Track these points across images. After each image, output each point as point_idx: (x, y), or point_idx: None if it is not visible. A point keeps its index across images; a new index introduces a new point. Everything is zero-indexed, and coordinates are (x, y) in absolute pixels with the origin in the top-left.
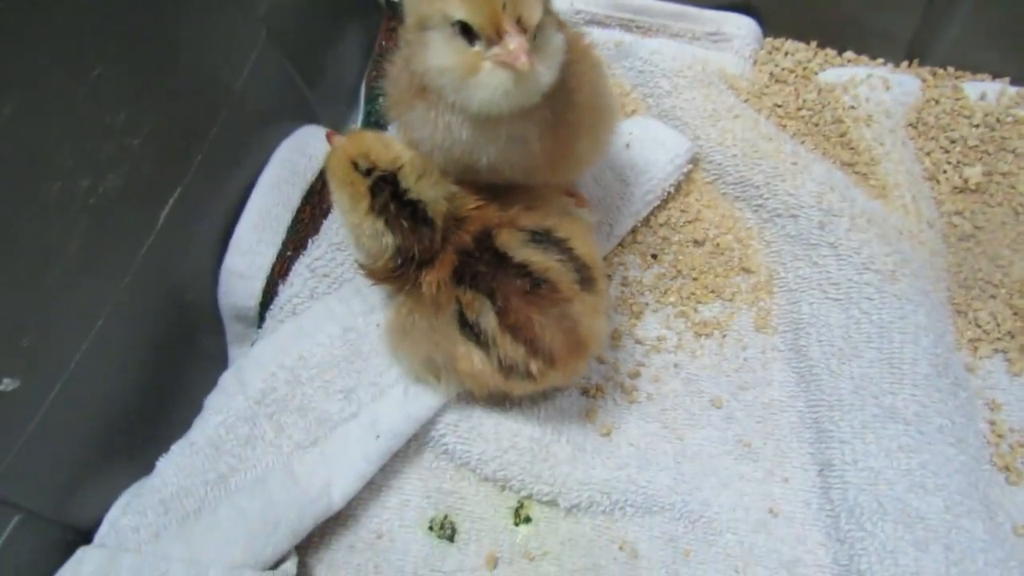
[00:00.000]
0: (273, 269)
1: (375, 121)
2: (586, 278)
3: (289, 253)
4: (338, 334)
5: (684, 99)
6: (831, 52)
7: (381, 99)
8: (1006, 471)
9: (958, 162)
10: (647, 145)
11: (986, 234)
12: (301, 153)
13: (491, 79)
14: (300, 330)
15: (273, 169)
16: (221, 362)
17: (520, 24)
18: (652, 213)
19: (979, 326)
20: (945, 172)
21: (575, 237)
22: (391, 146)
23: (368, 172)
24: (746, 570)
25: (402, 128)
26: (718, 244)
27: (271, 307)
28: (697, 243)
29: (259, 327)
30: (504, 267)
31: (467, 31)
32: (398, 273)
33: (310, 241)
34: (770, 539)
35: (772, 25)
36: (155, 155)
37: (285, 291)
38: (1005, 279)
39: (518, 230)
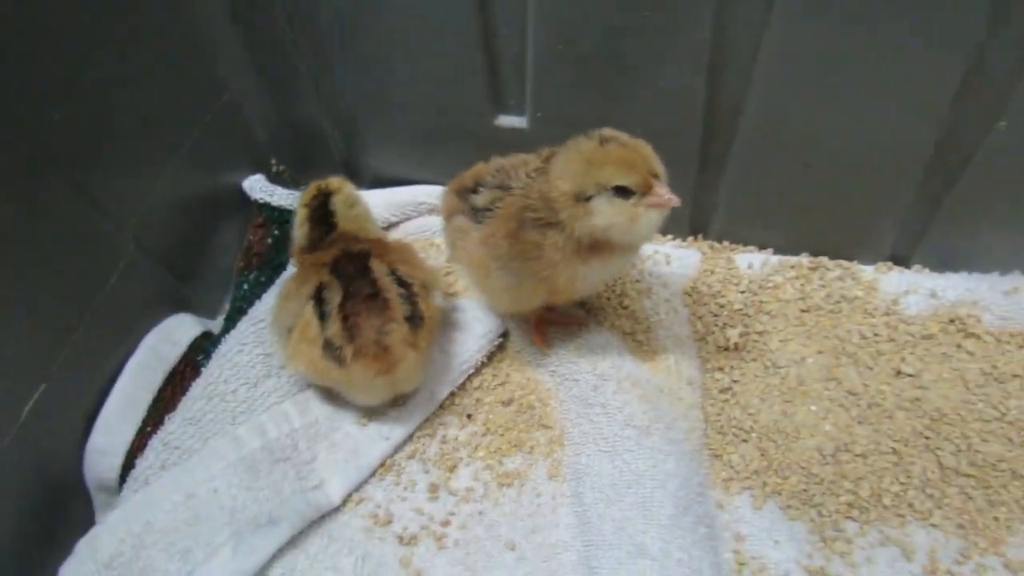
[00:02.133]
0: (132, 445)
1: (239, 307)
2: (415, 319)
3: (148, 429)
4: (181, 500)
5: None
6: None
7: (246, 286)
8: None
9: (724, 324)
10: (467, 322)
11: (741, 386)
12: (166, 341)
13: (649, 219)
14: (149, 499)
15: (139, 356)
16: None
17: (657, 177)
18: (468, 378)
19: (732, 467)
20: (712, 333)
21: (423, 298)
22: (344, 187)
23: (320, 190)
24: None
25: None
26: (523, 403)
27: (128, 478)
28: (505, 403)
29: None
30: (363, 275)
31: (622, 191)
32: (305, 249)
33: (167, 417)
34: None
35: None
36: (15, 356)
37: (140, 463)
38: (755, 425)
39: (388, 265)
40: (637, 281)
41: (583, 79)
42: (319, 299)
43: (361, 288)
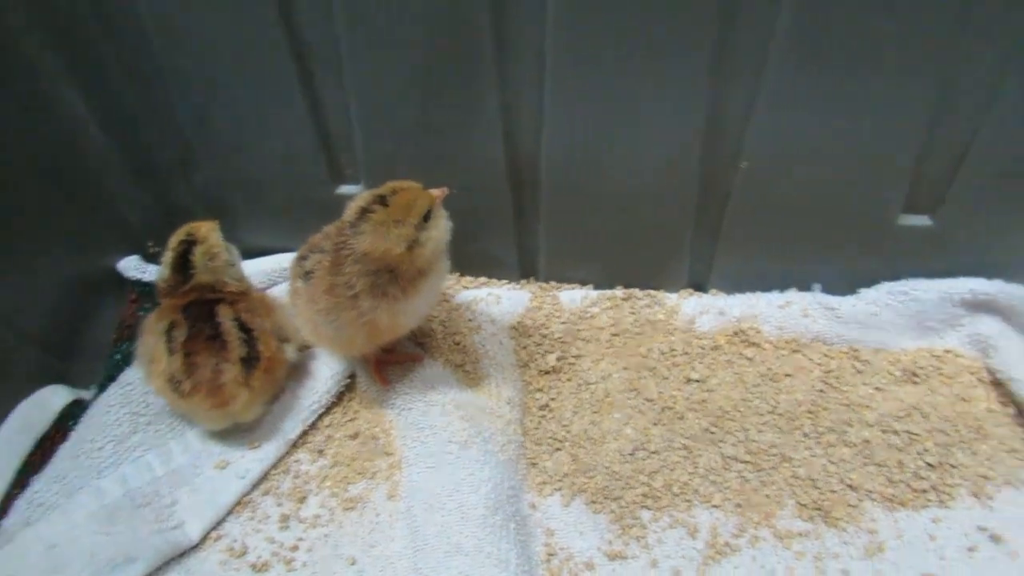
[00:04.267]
0: None
1: (111, 375)
2: (251, 361)
3: (15, 491)
4: (43, 551)
5: None
6: (470, 279)
7: (118, 356)
8: None
9: (545, 352)
10: (317, 368)
11: (557, 403)
12: (39, 408)
13: (447, 221)
14: (12, 553)
15: (10, 423)
16: None
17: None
18: (319, 417)
19: (546, 472)
20: (535, 360)
21: (264, 342)
22: (210, 237)
23: (187, 235)
24: None
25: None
26: (368, 435)
27: None
28: (352, 437)
29: None
30: (209, 319)
31: (426, 215)
32: (164, 292)
33: (33, 479)
34: None
35: None
36: None
37: (5, 523)
38: (568, 434)
39: (235, 313)
40: (470, 320)
41: (404, 149)
42: (169, 335)
43: (203, 329)
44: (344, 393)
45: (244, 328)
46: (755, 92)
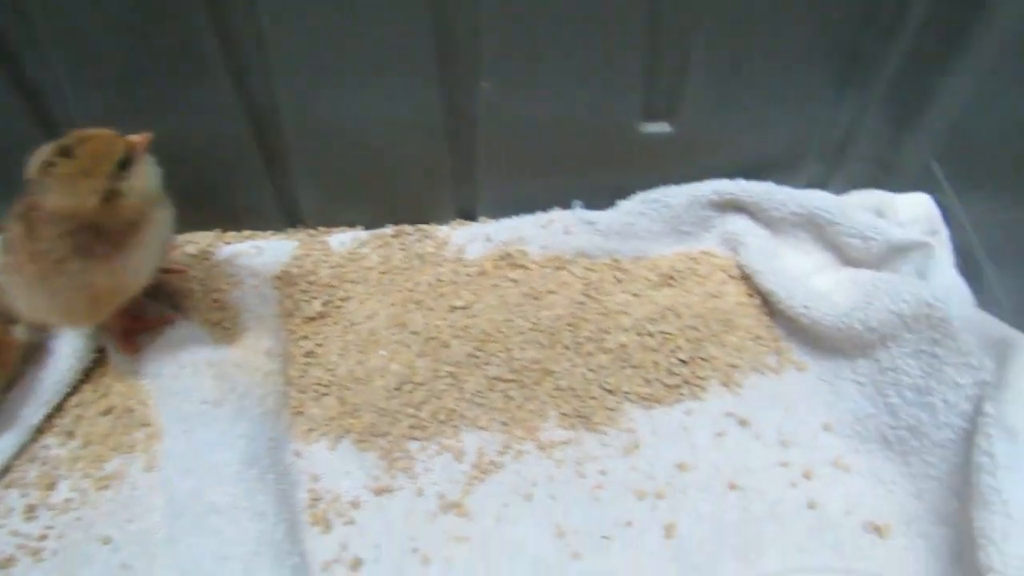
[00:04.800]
0: None
1: None
2: None
3: None
4: None
5: None
6: (233, 234)
7: None
8: (320, 524)
9: (311, 298)
10: (57, 347)
11: (323, 348)
12: None
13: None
14: None
15: None
16: None
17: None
18: (66, 398)
19: (313, 420)
20: (300, 308)
21: None
22: None
23: None
24: None
25: None
26: (123, 409)
27: None
28: (105, 413)
29: None
30: None
31: (123, 162)
32: None
33: None
34: None
35: (180, 223)
36: None
37: None
38: (334, 379)
39: None
40: (231, 275)
41: (119, 99)
42: None
43: None
44: (94, 369)
45: None
46: (480, 6)
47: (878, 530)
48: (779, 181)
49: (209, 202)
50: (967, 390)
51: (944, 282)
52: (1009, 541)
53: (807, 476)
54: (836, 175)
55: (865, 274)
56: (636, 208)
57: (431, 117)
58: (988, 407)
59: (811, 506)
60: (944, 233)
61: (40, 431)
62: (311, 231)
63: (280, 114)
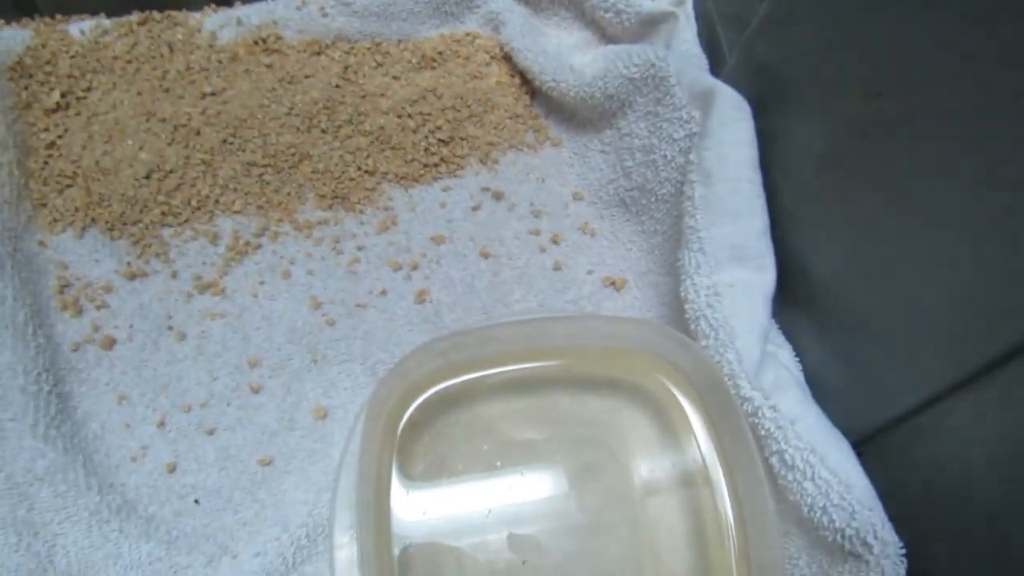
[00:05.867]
0: None
1: None
2: None
3: None
4: None
5: None
6: None
7: None
8: (70, 309)
9: (50, 90)
10: None
11: (65, 140)
12: None
13: None
14: None
15: None
16: None
17: None
18: None
19: (57, 210)
20: (39, 100)
21: None
22: None
23: None
24: None
25: None
26: None
27: None
28: None
29: None
30: None
31: None
32: None
33: None
34: None
35: None
36: None
37: None
38: (79, 170)
39: None
40: None
41: None
42: None
43: None
44: None
45: None
46: None
47: (614, 284)
48: None
49: None
50: (681, 143)
51: (684, 49)
52: (700, 272)
53: (555, 241)
54: None
55: (610, 47)
56: None
57: None
58: (692, 156)
59: (556, 267)
60: (689, 2)
61: None
62: (47, 20)
63: None
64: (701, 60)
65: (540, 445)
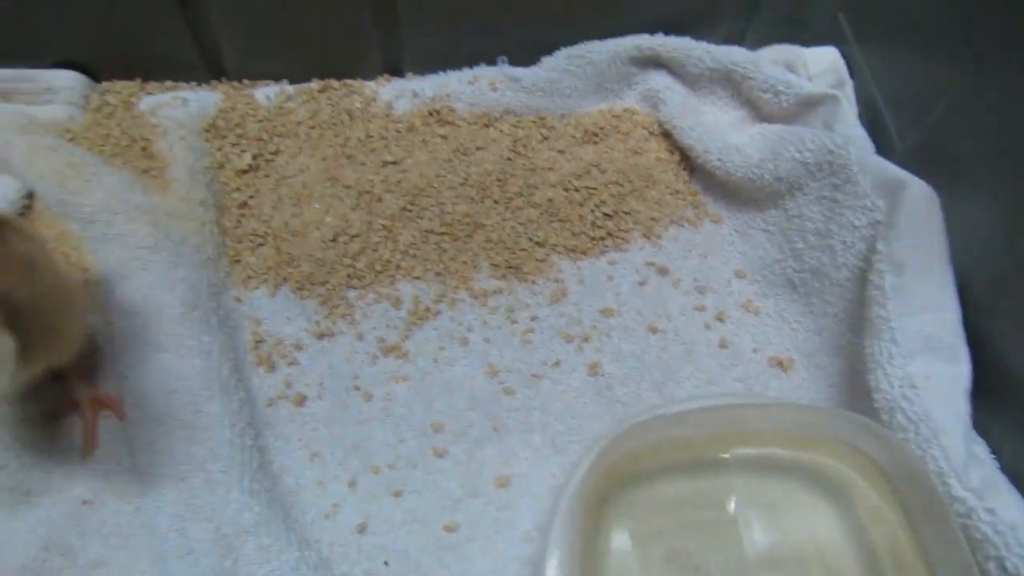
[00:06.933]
0: None
1: None
2: None
3: None
4: None
5: (13, 148)
6: (155, 84)
7: None
8: (264, 364)
9: (241, 151)
10: None
11: (256, 200)
12: None
13: None
14: None
15: None
16: None
17: None
18: None
19: (251, 268)
20: (230, 160)
21: None
22: None
23: None
24: None
25: None
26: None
27: None
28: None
29: None
30: None
31: None
32: None
33: None
34: None
35: (102, 72)
36: None
37: None
38: (270, 230)
39: None
40: (156, 126)
41: None
42: None
43: None
44: (23, 215)
45: None
46: None
47: (781, 364)
48: (697, 36)
49: (129, 50)
50: (863, 231)
51: (847, 132)
52: (894, 363)
53: (720, 319)
54: (751, 30)
55: (775, 128)
56: (560, 64)
57: None
58: (880, 245)
59: (723, 345)
60: (849, 85)
61: None
62: (235, 84)
63: None
64: (867, 143)
65: (724, 527)
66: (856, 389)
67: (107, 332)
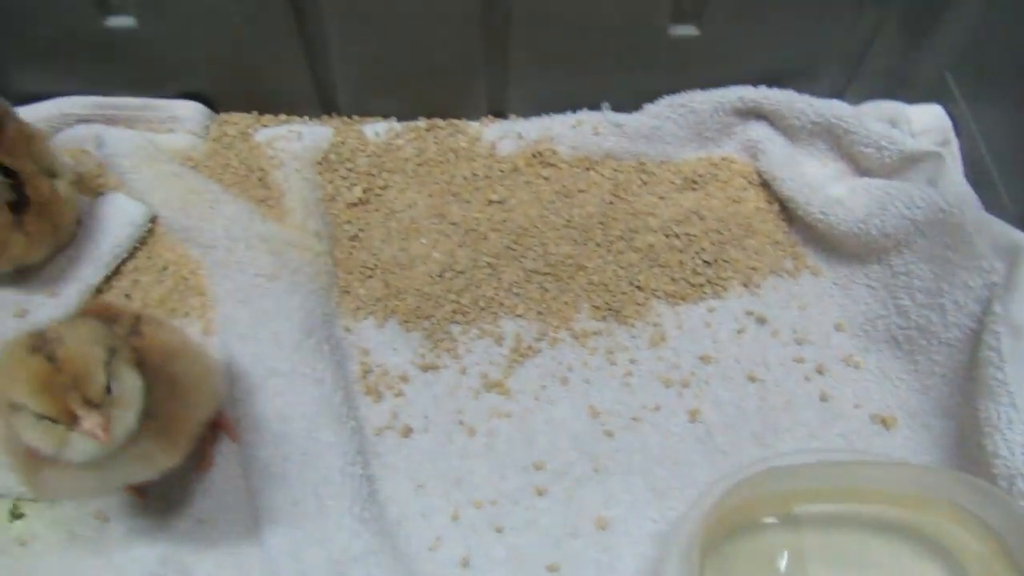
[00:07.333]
0: None
1: None
2: (20, 204)
3: None
4: None
5: (139, 173)
6: (270, 117)
7: None
8: (372, 394)
9: (351, 185)
10: (112, 213)
11: (366, 233)
12: None
13: (81, 445)
14: None
15: None
16: None
17: (89, 401)
18: (123, 263)
19: (360, 299)
20: (341, 193)
21: (33, 185)
22: None
23: None
24: None
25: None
26: (177, 276)
27: None
28: (161, 279)
29: None
30: None
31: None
32: None
33: None
34: None
35: (221, 104)
36: None
37: None
38: (378, 262)
39: None
40: (271, 157)
41: None
42: None
43: None
44: (146, 238)
45: (8, 172)
46: None
47: (884, 422)
48: (799, 90)
49: (247, 84)
50: (977, 291)
51: (954, 190)
52: (1013, 428)
53: (820, 371)
54: (853, 85)
55: (879, 182)
56: (662, 112)
57: (467, 5)
58: (996, 307)
59: (823, 399)
60: (954, 143)
61: (100, 291)
62: (345, 119)
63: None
64: (977, 203)
65: None
66: (968, 452)
67: (224, 354)
